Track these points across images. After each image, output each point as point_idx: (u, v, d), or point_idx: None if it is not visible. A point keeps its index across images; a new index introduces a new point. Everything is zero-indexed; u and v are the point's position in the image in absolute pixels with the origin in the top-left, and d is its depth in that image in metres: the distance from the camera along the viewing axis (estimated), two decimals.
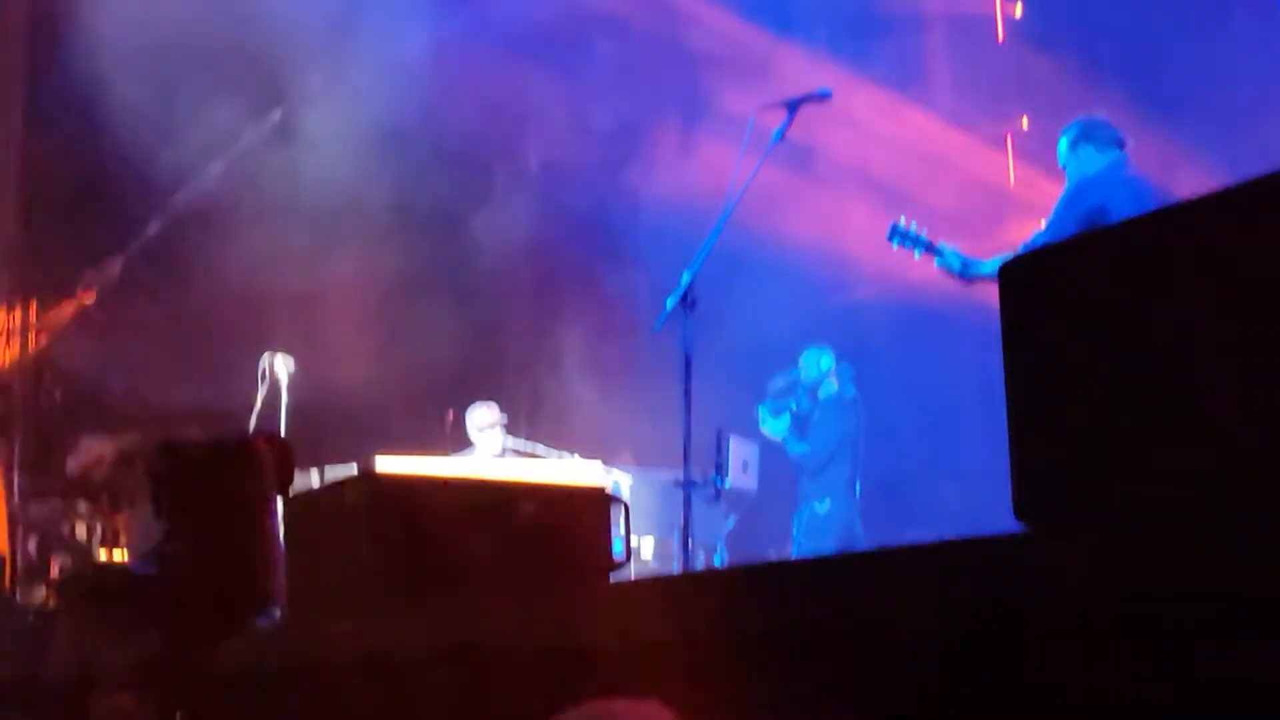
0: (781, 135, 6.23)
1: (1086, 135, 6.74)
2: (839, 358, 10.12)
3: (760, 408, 10.00)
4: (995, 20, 11.42)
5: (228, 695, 3.82)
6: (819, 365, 10.05)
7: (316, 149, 10.68)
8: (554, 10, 11.32)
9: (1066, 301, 1.98)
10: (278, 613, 3.97)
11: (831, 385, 10.07)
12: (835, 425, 9.92)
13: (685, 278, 6.05)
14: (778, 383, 10.19)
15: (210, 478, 3.99)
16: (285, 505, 3.62)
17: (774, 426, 9.91)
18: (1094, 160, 6.68)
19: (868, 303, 11.05)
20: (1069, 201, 6.57)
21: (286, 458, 4.07)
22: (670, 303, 6.05)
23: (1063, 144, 6.81)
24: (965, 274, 6.79)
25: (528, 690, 2.66)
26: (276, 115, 10.67)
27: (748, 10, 11.35)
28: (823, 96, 6.33)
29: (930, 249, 6.84)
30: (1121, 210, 5.95)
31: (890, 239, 6.92)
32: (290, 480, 4.10)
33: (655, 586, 2.87)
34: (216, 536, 3.94)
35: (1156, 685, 1.65)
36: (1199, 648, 1.60)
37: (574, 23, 11.43)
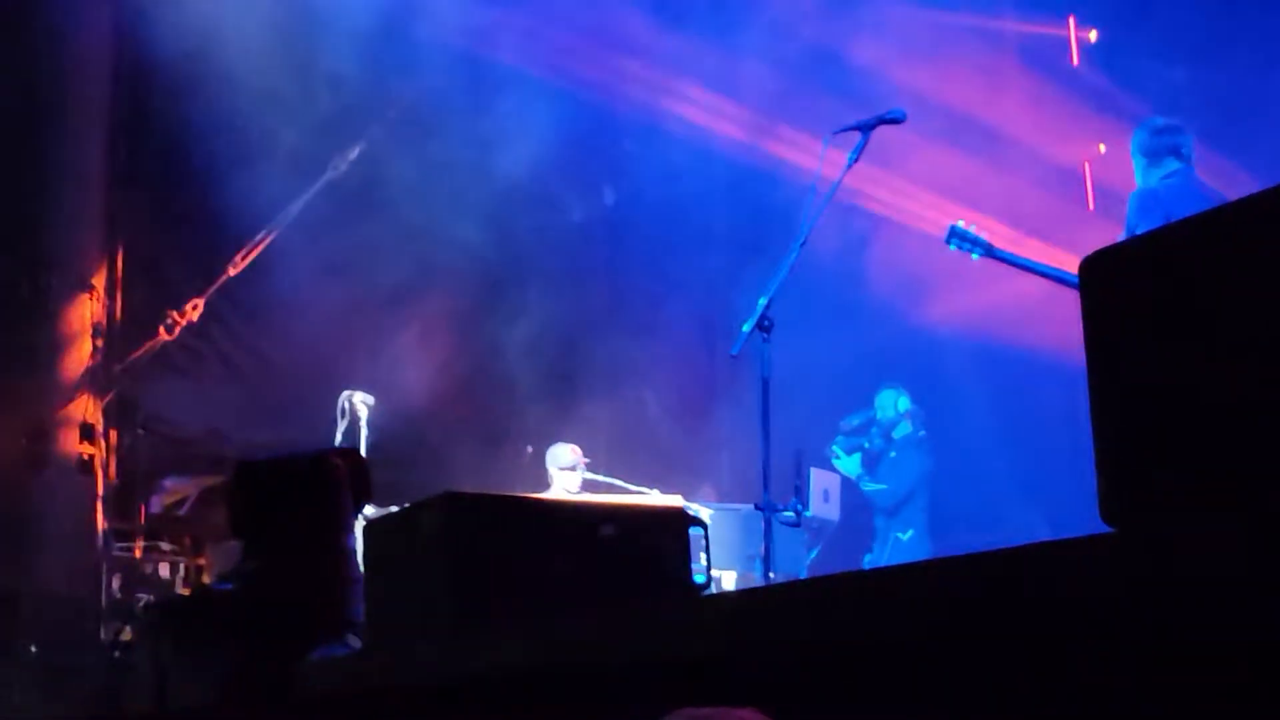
0: (856, 158, 6.19)
1: (1142, 148, 6.66)
2: (912, 399, 10.10)
3: (834, 445, 9.99)
4: (1070, 43, 11.31)
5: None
6: (896, 406, 10.06)
7: (395, 187, 10.77)
8: (633, 69, 11.42)
9: (1151, 295, 1.93)
10: (356, 636, 3.95)
11: (907, 426, 10.06)
12: (913, 465, 9.91)
13: (761, 302, 6.02)
14: (851, 421, 10.20)
15: (286, 493, 3.97)
16: (364, 529, 3.59)
17: (847, 465, 9.90)
18: (1150, 174, 6.58)
19: (944, 333, 10.94)
20: (1136, 213, 6.46)
21: (363, 473, 4.04)
22: (747, 327, 6.00)
23: (1131, 151, 6.75)
24: (1027, 268, 6.72)
25: (616, 708, 2.62)
26: (354, 153, 10.78)
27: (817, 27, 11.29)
28: (897, 119, 6.25)
29: (989, 251, 6.79)
30: None
31: (948, 241, 6.89)
32: (368, 497, 4.06)
33: (746, 598, 2.83)
34: (293, 552, 3.92)
35: (1238, 683, 1.60)
36: None
37: (648, 84, 11.52)
